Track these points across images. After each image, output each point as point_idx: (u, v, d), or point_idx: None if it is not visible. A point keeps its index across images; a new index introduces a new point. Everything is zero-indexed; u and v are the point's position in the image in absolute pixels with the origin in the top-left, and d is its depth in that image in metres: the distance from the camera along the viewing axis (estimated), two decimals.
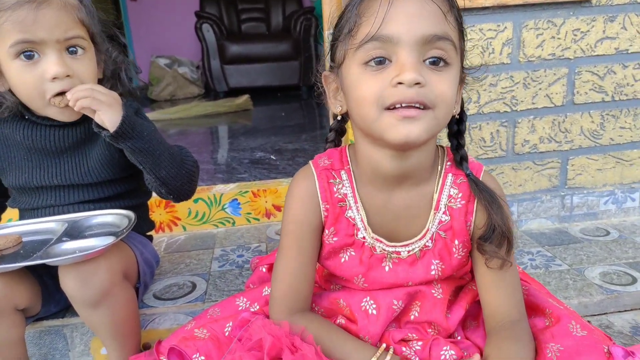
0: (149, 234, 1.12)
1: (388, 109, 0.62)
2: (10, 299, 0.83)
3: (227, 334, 0.76)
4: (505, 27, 1.35)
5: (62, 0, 0.85)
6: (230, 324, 0.77)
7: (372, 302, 0.77)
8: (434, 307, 0.77)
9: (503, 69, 1.37)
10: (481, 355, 0.72)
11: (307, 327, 0.73)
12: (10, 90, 0.89)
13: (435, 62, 0.63)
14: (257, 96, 3.96)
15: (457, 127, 0.75)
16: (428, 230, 0.75)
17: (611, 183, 1.44)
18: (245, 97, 3.74)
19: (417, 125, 0.62)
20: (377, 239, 0.75)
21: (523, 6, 1.34)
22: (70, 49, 0.86)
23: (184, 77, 4.60)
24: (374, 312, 0.76)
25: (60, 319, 1.00)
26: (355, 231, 0.75)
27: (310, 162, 0.78)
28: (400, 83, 0.61)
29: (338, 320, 0.78)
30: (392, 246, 0.75)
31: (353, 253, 0.76)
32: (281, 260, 0.77)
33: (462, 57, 0.70)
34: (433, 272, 0.75)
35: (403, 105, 0.61)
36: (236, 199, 1.44)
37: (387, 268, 0.76)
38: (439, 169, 0.75)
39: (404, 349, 0.73)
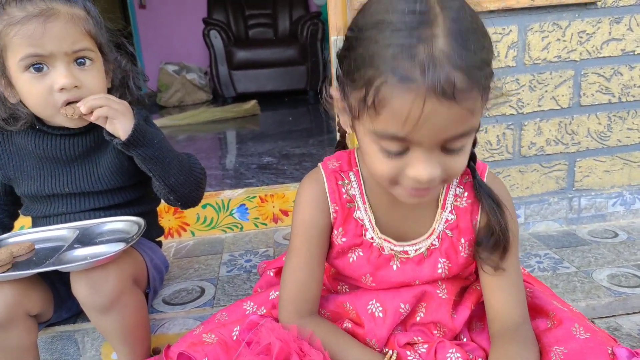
0: (158, 240, 1.13)
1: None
2: (23, 305, 0.85)
3: (234, 337, 0.77)
4: (511, 30, 1.36)
5: (70, 12, 0.87)
6: (238, 328, 0.78)
7: (378, 304, 0.78)
8: (440, 307, 0.77)
9: (509, 72, 1.37)
10: (486, 359, 0.72)
11: (315, 331, 0.73)
12: (20, 101, 0.91)
13: (454, 151, 0.61)
14: (264, 101, 3.98)
15: None
16: (435, 229, 0.76)
17: (619, 185, 1.43)
18: (252, 103, 3.76)
19: (429, 194, 0.65)
20: (385, 239, 0.76)
21: (528, 9, 1.34)
22: (79, 61, 0.88)
23: (192, 84, 4.64)
24: (381, 314, 0.77)
25: (72, 324, 1.02)
26: (363, 231, 0.76)
27: (320, 164, 0.79)
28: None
29: (345, 325, 0.79)
30: (400, 245, 0.76)
31: (361, 253, 0.77)
32: (290, 261, 0.78)
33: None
34: (440, 271, 0.76)
35: None
36: (244, 204, 1.45)
37: (394, 267, 0.77)
38: None
39: (408, 352, 0.73)
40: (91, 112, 0.86)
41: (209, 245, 1.38)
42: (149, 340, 0.94)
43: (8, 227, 1.04)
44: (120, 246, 0.85)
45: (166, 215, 1.41)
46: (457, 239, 0.76)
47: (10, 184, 1.00)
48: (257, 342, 0.72)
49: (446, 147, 0.60)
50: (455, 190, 0.76)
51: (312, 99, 4.53)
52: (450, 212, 0.75)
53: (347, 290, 0.84)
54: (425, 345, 0.75)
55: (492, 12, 1.34)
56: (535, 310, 0.78)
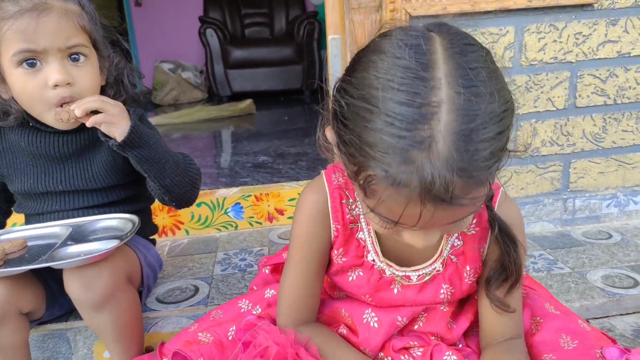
0: (151, 237, 1.12)
1: None
2: (15, 302, 0.84)
3: (230, 337, 0.77)
4: (507, 31, 1.36)
5: (64, 7, 0.85)
6: (234, 328, 0.77)
7: (374, 315, 0.76)
8: (440, 320, 0.76)
9: (505, 73, 1.36)
10: None
11: (312, 337, 0.72)
12: (12, 98, 0.89)
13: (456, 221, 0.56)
14: (260, 100, 3.97)
15: None
16: (440, 254, 0.73)
17: (613, 186, 1.43)
18: (248, 102, 3.75)
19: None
20: (387, 263, 0.74)
21: (525, 10, 1.35)
22: (72, 57, 0.87)
23: (188, 82, 4.62)
24: (376, 325, 0.76)
25: (64, 322, 1.01)
26: (365, 253, 0.74)
27: (323, 174, 0.75)
28: None
29: (340, 330, 0.78)
30: (402, 270, 0.74)
31: (361, 274, 0.75)
32: (289, 272, 0.77)
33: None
34: (442, 296, 0.74)
35: None
36: (239, 203, 1.45)
37: (395, 291, 0.75)
38: None
39: (403, 357, 0.73)
40: (86, 115, 0.84)
41: (203, 244, 1.37)
42: (142, 338, 0.93)
43: (1, 225, 1.03)
44: (113, 243, 0.84)
45: (160, 213, 1.40)
46: (462, 265, 0.73)
47: (4, 181, 0.98)
48: (254, 345, 0.71)
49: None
50: None
51: (308, 98, 4.53)
52: (457, 238, 0.72)
53: (344, 296, 0.83)
54: (421, 349, 0.74)
55: (489, 12, 1.35)
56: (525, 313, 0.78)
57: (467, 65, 0.49)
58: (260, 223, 1.47)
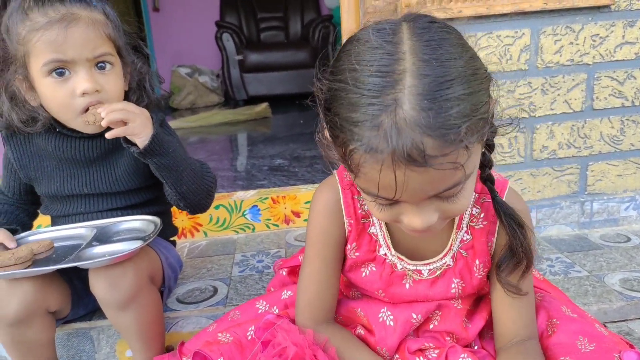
0: (172, 239, 1.15)
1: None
2: (43, 301, 0.87)
3: (249, 337, 0.78)
4: (523, 34, 1.36)
5: (90, 17, 0.89)
6: (253, 328, 0.79)
7: (389, 313, 0.78)
8: (455, 317, 0.77)
9: (521, 75, 1.38)
10: None
11: (330, 339, 0.74)
12: (41, 105, 0.93)
13: (449, 198, 0.58)
14: (275, 104, 4.00)
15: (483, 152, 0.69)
16: (450, 248, 0.74)
17: (632, 189, 1.42)
18: (264, 105, 3.79)
19: (433, 232, 0.63)
20: (398, 257, 0.75)
21: (541, 12, 1.35)
22: (99, 65, 0.90)
23: (205, 86, 4.68)
24: (392, 323, 0.77)
25: (88, 321, 1.04)
26: (377, 247, 0.76)
27: (335, 173, 0.77)
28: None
29: (357, 331, 0.80)
30: (414, 264, 0.75)
31: (374, 268, 0.77)
32: (306, 269, 0.79)
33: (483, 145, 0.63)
34: (453, 291, 0.76)
35: None
36: (256, 205, 1.47)
37: (407, 285, 0.76)
38: None
39: (418, 359, 0.74)
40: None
41: (221, 246, 1.40)
42: (163, 337, 0.96)
43: (27, 226, 1.07)
44: (137, 244, 0.87)
45: (180, 215, 1.43)
46: (471, 259, 0.74)
47: (31, 184, 1.02)
48: (272, 345, 0.73)
49: (439, 196, 0.57)
50: (472, 211, 0.74)
51: None
52: (466, 232, 0.74)
53: (360, 296, 0.85)
54: (437, 351, 0.75)
55: (504, 15, 1.35)
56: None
57: (430, 38, 0.54)
58: (277, 225, 1.49)
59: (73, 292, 0.95)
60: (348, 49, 0.58)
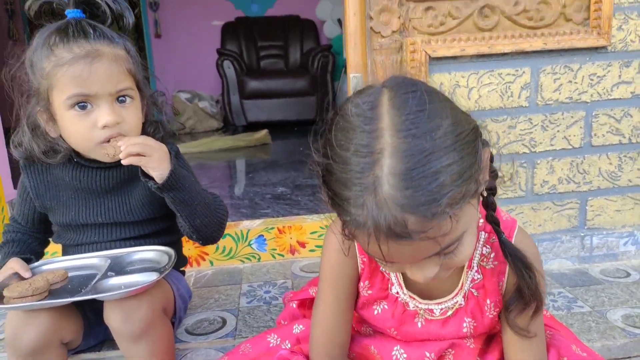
0: (182, 269, 1.16)
1: None
2: (58, 332, 0.87)
3: None
4: (524, 72, 1.41)
5: (113, 53, 0.92)
6: None
7: (402, 351, 0.79)
8: (468, 357, 0.78)
9: (522, 112, 1.42)
10: None
11: None
12: (60, 136, 0.95)
13: (443, 254, 0.59)
14: (274, 130, 4.05)
15: (486, 196, 0.70)
16: (461, 288, 0.75)
17: (630, 224, 1.46)
18: (264, 132, 3.83)
19: (440, 279, 0.64)
20: (410, 296, 0.76)
21: (541, 52, 1.40)
22: (120, 98, 0.92)
23: (204, 111, 4.73)
24: None
25: (97, 352, 1.04)
26: (389, 285, 0.77)
27: None
28: None
29: None
30: (425, 303, 0.76)
31: (386, 307, 0.78)
32: (320, 305, 0.80)
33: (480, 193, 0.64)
34: (465, 330, 0.76)
35: None
36: (262, 235, 1.48)
37: (419, 324, 0.77)
38: None
39: None
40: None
41: (227, 275, 1.41)
42: None
43: (40, 255, 1.07)
44: (153, 276, 0.88)
45: (186, 244, 1.44)
46: (483, 299, 0.75)
47: (46, 213, 1.03)
48: None
49: (436, 254, 0.58)
50: (482, 250, 0.75)
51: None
52: (477, 271, 0.75)
53: (372, 332, 0.86)
54: None
55: (505, 54, 1.40)
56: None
57: (407, 111, 0.55)
58: (283, 255, 1.51)
59: (85, 323, 0.96)
60: (335, 122, 0.61)
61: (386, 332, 0.80)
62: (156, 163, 0.90)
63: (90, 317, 0.96)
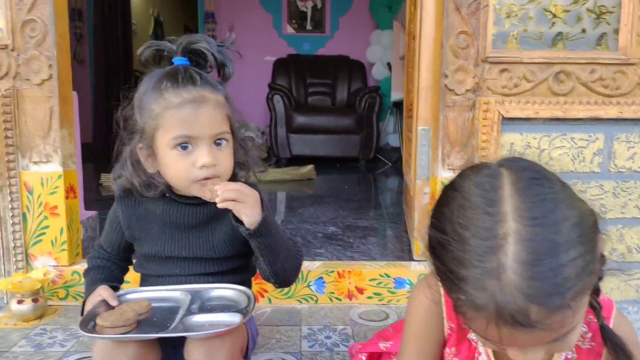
0: None
1: None
2: None
3: None
4: (597, 138, 1.41)
5: (216, 99, 0.98)
6: None
7: None
8: None
9: (593, 177, 1.42)
10: None
11: None
12: (157, 172, 1.00)
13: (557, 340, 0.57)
14: (317, 165, 4.10)
15: None
16: None
17: None
18: (309, 167, 3.89)
19: None
20: None
21: (615, 120, 1.40)
22: (217, 141, 0.98)
23: None
24: None
25: None
26: (476, 354, 0.76)
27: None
28: None
29: None
30: None
31: None
32: None
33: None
34: None
35: None
36: (322, 277, 1.50)
37: None
38: None
39: None
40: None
41: (286, 315, 1.42)
42: None
43: (121, 281, 1.12)
44: (236, 317, 0.91)
45: None
46: None
47: (133, 242, 1.08)
48: None
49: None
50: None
51: (364, 167, 4.65)
52: (571, 349, 0.73)
53: None
54: None
55: (579, 119, 1.41)
56: None
57: (533, 199, 0.55)
58: (340, 300, 1.51)
59: (164, 356, 0.98)
60: (450, 196, 0.61)
61: None
62: (249, 210, 0.93)
63: (169, 350, 0.99)
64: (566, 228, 0.54)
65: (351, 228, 2.26)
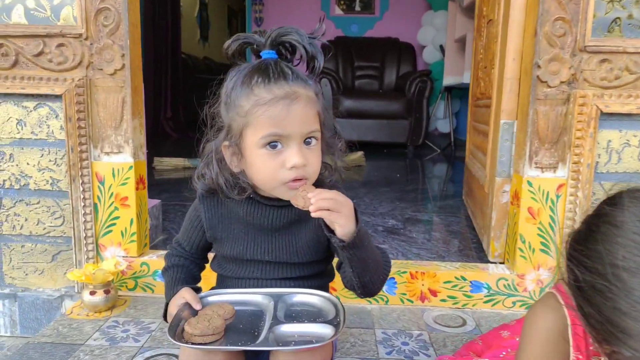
0: None
1: None
2: None
3: None
4: None
5: (307, 95, 0.91)
6: None
7: None
8: None
9: None
10: None
11: None
12: (242, 171, 0.95)
13: None
14: (364, 150, 4.01)
15: None
16: None
17: None
18: (359, 154, 3.81)
19: None
20: None
21: None
22: (306, 140, 0.91)
23: None
24: None
25: None
26: None
27: (557, 293, 0.71)
28: None
29: None
30: None
31: None
32: None
33: None
34: None
35: None
36: (393, 278, 1.44)
37: None
38: None
39: None
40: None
41: (357, 316, 1.37)
42: None
43: (198, 279, 1.09)
44: (328, 329, 0.86)
45: None
46: None
47: (213, 242, 1.04)
48: None
49: None
50: None
51: (411, 153, 4.53)
52: None
53: None
54: None
55: None
56: None
57: None
58: (412, 301, 1.45)
59: None
60: (605, 233, 0.53)
61: None
62: (343, 220, 0.86)
63: (252, 357, 0.95)
64: None
65: (412, 222, 2.18)
